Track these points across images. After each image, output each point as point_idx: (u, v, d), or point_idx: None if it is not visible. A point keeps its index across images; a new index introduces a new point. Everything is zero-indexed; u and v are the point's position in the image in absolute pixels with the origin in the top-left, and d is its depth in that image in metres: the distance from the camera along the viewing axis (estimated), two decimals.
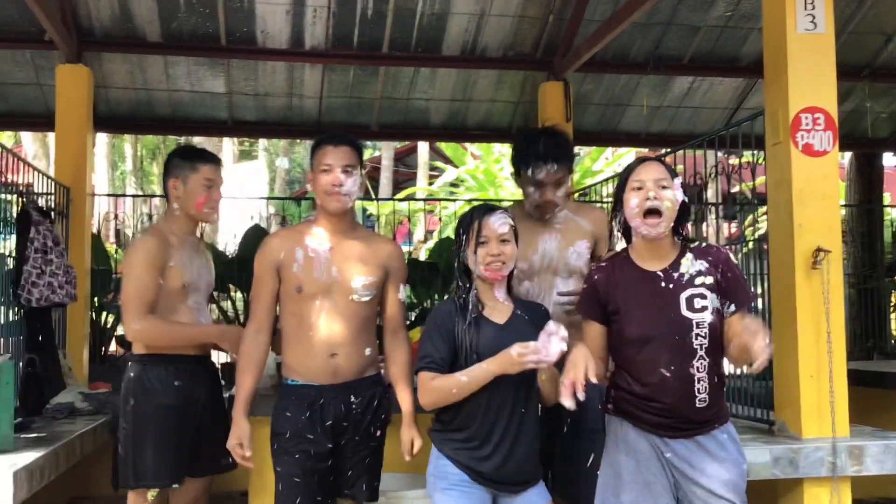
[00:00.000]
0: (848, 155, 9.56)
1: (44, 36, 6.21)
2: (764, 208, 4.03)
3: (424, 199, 14.83)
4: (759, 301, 4.54)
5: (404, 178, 21.96)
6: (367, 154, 3.50)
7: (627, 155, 17.29)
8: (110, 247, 8.44)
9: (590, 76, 7.41)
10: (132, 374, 3.31)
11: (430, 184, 19.93)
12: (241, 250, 7.51)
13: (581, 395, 2.53)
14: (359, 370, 3.16)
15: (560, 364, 2.68)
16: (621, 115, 8.00)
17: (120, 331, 6.98)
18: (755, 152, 4.08)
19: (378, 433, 3.20)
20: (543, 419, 3.10)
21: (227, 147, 20.72)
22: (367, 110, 7.66)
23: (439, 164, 19.99)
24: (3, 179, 4.83)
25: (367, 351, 3.19)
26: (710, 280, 2.65)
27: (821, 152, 3.68)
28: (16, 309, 4.85)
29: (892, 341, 9.17)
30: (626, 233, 2.80)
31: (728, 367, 4.79)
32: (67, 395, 4.63)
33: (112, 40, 6.53)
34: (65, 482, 5.18)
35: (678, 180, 2.70)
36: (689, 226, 2.88)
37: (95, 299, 6.77)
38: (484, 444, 2.78)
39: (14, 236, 4.90)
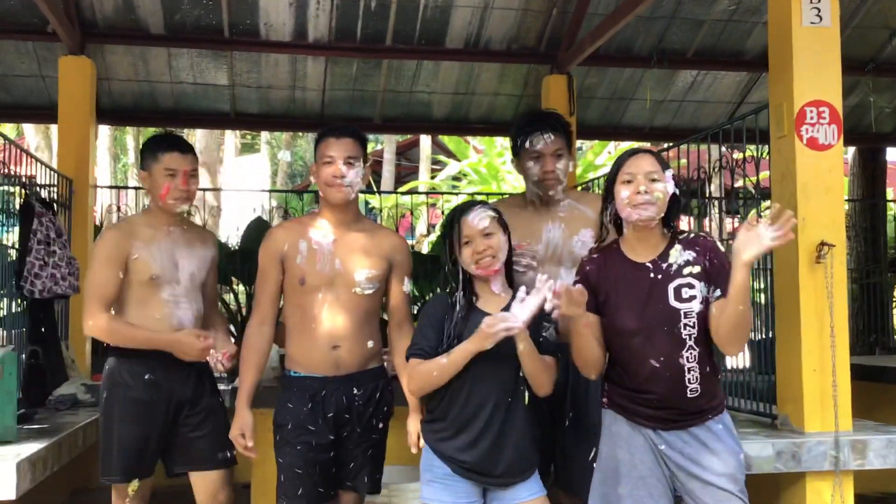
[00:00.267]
0: (851, 150, 9.54)
1: (47, 27, 6.18)
2: (767, 203, 4.02)
3: (427, 193, 14.81)
4: (762, 296, 4.53)
5: (406, 172, 21.95)
6: (369, 147, 3.48)
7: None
8: None
9: (593, 70, 7.39)
10: (107, 367, 3.30)
11: (433, 178, 19.92)
12: (244, 243, 7.51)
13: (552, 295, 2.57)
14: (361, 362, 3.16)
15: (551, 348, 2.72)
16: (625, 109, 7.99)
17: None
18: (759, 146, 4.06)
19: (380, 425, 3.20)
20: (547, 412, 3.10)
21: (230, 140, 20.72)
22: (370, 103, 7.64)
23: (442, 157, 19.97)
24: (6, 171, 4.83)
25: (370, 343, 3.19)
26: (697, 269, 2.66)
27: (825, 146, 3.67)
28: (19, 300, 4.86)
29: (895, 336, 9.16)
30: (618, 225, 2.80)
31: (730, 362, 4.80)
32: (70, 386, 4.63)
33: (115, 32, 6.51)
34: (67, 473, 5.18)
35: (669, 172, 2.69)
36: (692, 220, 2.89)
37: (87, 295, 6.76)
38: (462, 433, 2.77)
39: (17, 228, 4.89)
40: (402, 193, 10.46)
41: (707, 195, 6.15)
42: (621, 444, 2.72)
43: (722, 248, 2.77)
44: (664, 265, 2.68)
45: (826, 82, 3.69)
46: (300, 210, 8.40)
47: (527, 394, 2.78)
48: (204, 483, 3.34)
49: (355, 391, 3.13)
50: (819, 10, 3.69)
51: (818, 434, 3.57)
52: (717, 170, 4.39)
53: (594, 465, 2.90)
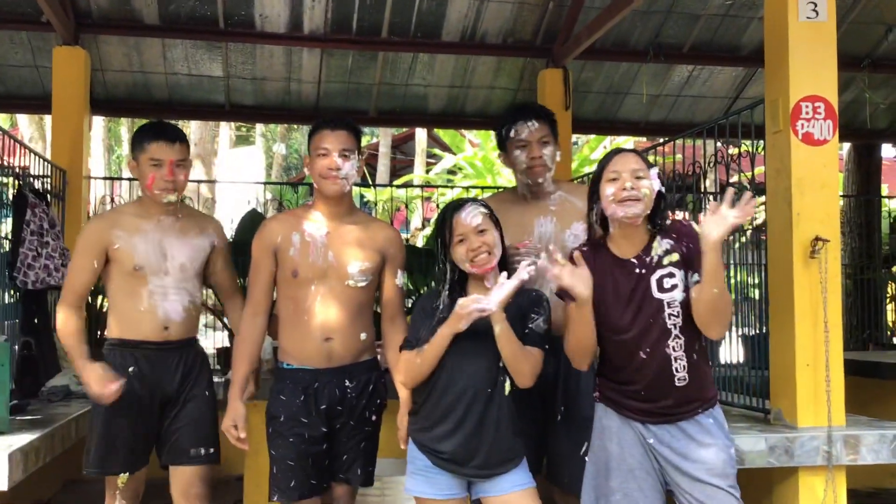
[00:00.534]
0: (846, 146, 9.55)
1: (41, 17, 6.16)
2: (762, 198, 4.02)
3: (422, 186, 14.81)
4: (756, 291, 4.54)
5: (402, 166, 21.93)
6: (364, 140, 3.47)
7: (625, 144, 17.29)
8: None
9: (589, 64, 7.39)
10: (104, 359, 3.28)
11: (428, 171, 19.91)
12: (238, 235, 7.47)
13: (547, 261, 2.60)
14: (354, 355, 3.16)
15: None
16: (620, 104, 7.98)
17: None
18: (754, 142, 4.06)
19: (373, 418, 3.20)
20: (538, 406, 3.09)
21: (225, 132, 20.64)
22: (365, 96, 7.63)
23: (437, 151, 19.96)
24: (0, 162, 4.81)
25: (363, 336, 3.19)
26: (676, 257, 2.68)
27: (821, 141, 3.66)
28: (12, 291, 4.84)
29: (888, 332, 9.19)
30: (604, 225, 2.80)
31: (723, 357, 4.81)
32: (63, 377, 4.62)
33: (109, 22, 6.49)
34: (60, 465, 5.17)
35: (654, 170, 2.70)
36: (687, 215, 2.89)
37: (64, 282, 6.74)
38: (440, 424, 2.77)
39: (10, 219, 4.87)
40: (398, 187, 10.45)
41: (702, 190, 6.16)
42: (611, 438, 2.73)
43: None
44: (647, 259, 2.70)
45: (822, 77, 3.69)
46: (295, 202, 8.39)
47: (507, 384, 2.77)
48: (177, 477, 3.31)
49: (348, 383, 3.13)
50: (815, 6, 3.69)
51: (811, 429, 3.58)
52: (712, 165, 4.39)
53: (585, 459, 2.90)
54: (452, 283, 2.85)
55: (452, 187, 11.30)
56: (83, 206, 6.24)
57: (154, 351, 3.24)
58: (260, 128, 22.84)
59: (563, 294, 2.71)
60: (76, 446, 4.18)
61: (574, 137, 10.78)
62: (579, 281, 2.61)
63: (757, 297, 4.41)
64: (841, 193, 8.68)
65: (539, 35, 6.97)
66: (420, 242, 11.82)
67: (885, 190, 11.13)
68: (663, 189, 2.72)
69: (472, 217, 2.79)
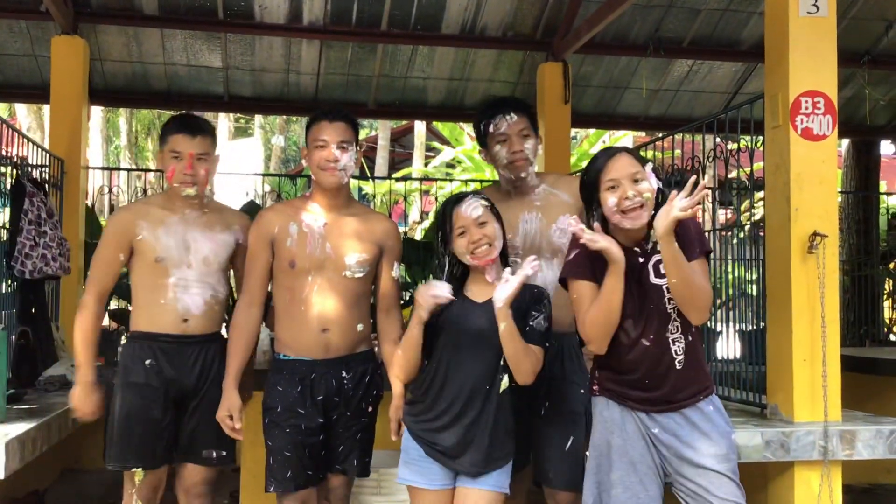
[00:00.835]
0: (845, 142, 9.55)
1: (40, 6, 6.15)
2: (760, 193, 4.02)
3: (421, 179, 14.79)
4: (754, 286, 4.54)
5: (400, 159, 21.91)
6: (363, 133, 3.46)
7: (625, 138, 17.28)
8: (104, 221, 8.40)
9: (589, 58, 7.38)
10: (121, 351, 3.28)
11: (427, 164, 19.88)
12: None
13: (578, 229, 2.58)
14: (351, 346, 3.16)
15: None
16: (620, 98, 7.98)
17: (112, 305, 6.97)
18: (753, 137, 4.06)
19: (370, 409, 3.20)
20: (525, 399, 3.07)
21: (223, 123, 20.61)
22: (364, 88, 7.62)
23: (436, 144, 19.93)
24: None
25: (360, 327, 3.19)
26: None
27: (820, 136, 3.66)
28: (9, 281, 4.83)
29: (885, 329, 9.20)
30: (603, 222, 2.78)
31: (720, 352, 4.81)
32: (60, 367, 4.62)
33: (108, 12, 6.47)
34: (57, 454, 5.18)
35: (649, 166, 2.69)
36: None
37: (89, 273, 6.74)
38: (437, 417, 2.79)
39: (8, 208, 4.86)
40: (396, 180, 10.45)
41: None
42: (614, 430, 2.72)
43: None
44: (647, 246, 2.71)
45: (822, 73, 3.69)
46: (293, 195, 8.40)
47: (504, 381, 2.77)
48: (184, 473, 3.30)
49: (344, 374, 3.13)
50: (816, 0, 3.68)
51: (807, 424, 3.58)
52: (710, 160, 4.39)
53: (571, 455, 2.90)
54: (451, 277, 2.85)
55: (451, 180, 11.29)
56: (81, 196, 6.24)
57: (172, 344, 3.21)
58: (258, 119, 22.80)
59: (576, 274, 2.70)
60: (73, 436, 4.19)
61: (573, 132, 10.77)
62: (612, 243, 2.59)
63: (754, 292, 4.41)
64: (839, 190, 8.69)
65: (539, 29, 6.96)
66: (418, 235, 11.82)
67: (883, 187, 11.11)
68: (660, 184, 2.71)
69: (472, 209, 2.80)
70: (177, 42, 6.90)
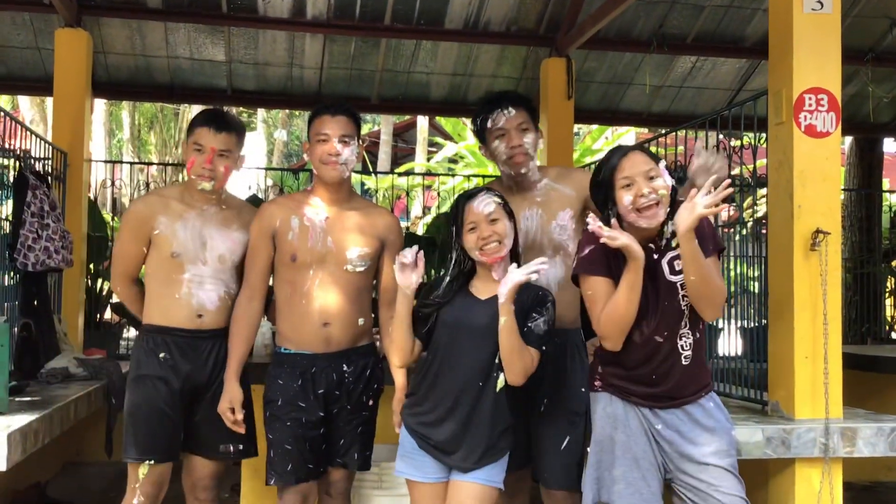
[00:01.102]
0: (849, 139, 9.54)
1: None
2: (763, 190, 4.02)
3: (423, 175, 14.79)
4: (756, 283, 4.54)
5: (403, 154, 21.91)
6: (366, 128, 3.47)
7: (627, 135, 17.26)
8: (107, 214, 8.41)
9: (592, 53, 7.36)
10: (134, 344, 3.29)
11: (429, 159, 19.87)
12: None
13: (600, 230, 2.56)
14: (352, 340, 3.17)
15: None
16: (623, 94, 7.96)
17: (115, 298, 6.98)
18: (756, 134, 4.05)
19: (370, 402, 3.21)
20: (523, 398, 3.06)
21: None
22: (367, 82, 7.61)
23: (439, 139, 19.93)
24: (1, 143, 4.80)
25: (361, 321, 3.19)
26: None
27: (823, 133, 3.65)
28: (11, 273, 4.84)
29: (887, 326, 9.20)
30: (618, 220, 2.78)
31: (722, 349, 4.81)
32: (62, 360, 4.62)
33: (112, 4, 6.46)
34: (59, 447, 5.20)
35: (662, 164, 2.69)
36: None
37: (91, 266, 6.75)
38: (430, 410, 2.80)
39: (10, 200, 4.87)
40: (399, 174, 10.43)
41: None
42: (617, 426, 2.73)
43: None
44: (662, 243, 2.71)
45: (826, 69, 3.68)
46: (296, 189, 8.39)
47: (501, 381, 2.77)
48: (193, 466, 3.30)
49: (345, 368, 3.14)
50: None
51: (808, 421, 3.58)
52: None
53: (568, 454, 2.90)
54: (459, 271, 2.86)
55: (453, 175, 11.26)
56: (84, 189, 6.23)
57: (186, 338, 3.21)
58: (261, 114, 22.82)
59: (591, 270, 2.69)
60: (75, 428, 4.20)
61: (576, 128, 10.76)
62: (633, 240, 2.58)
63: (756, 289, 4.40)
64: (842, 187, 8.68)
65: (542, 24, 6.95)
66: (420, 230, 11.81)
67: (886, 184, 11.11)
68: (674, 182, 2.71)
69: (484, 205, 2.80)
70: (180, 35, 6.89)
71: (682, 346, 2.68)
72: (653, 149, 5.47)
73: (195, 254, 3.22)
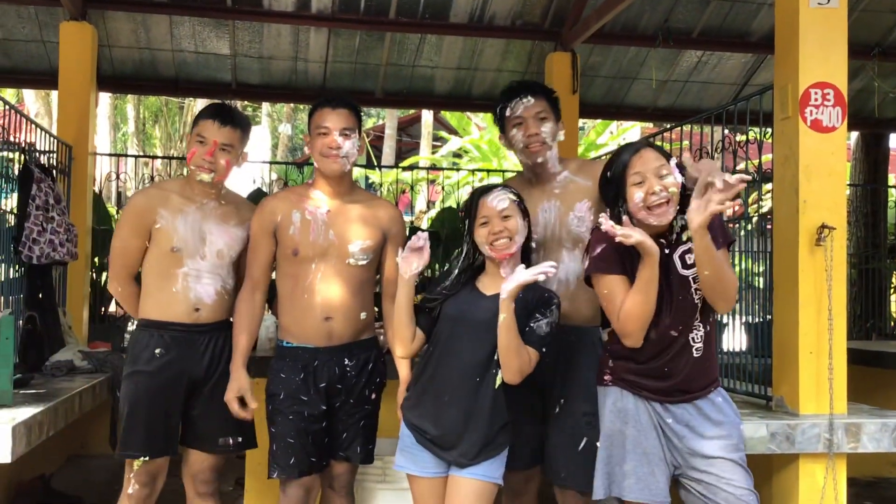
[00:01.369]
0: (854, 135, 9.51)
1: None
2: (768, 185, 4.01)
3: (427, 169, 14.77)
4: (761, 278, 4.53)
5: (407, 148, 21.87)
6: (370, 123, 3.46)
7: (632, 129, 17.21)
8: (111, 208, 8.42)
9: (598, 48, 7.35)
10: (129, 339, 3.28)
11: (433, 154, 19.86)
12: None
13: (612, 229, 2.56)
14: (354, 333, 3.17)
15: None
16: (628, 89, 7.95)
17: None
18: (762, 129, 4.04)
19: (373, 396, 3.20)
20: (538, 398, 3.05)
21: None
22: (372, 76, 7.60)
23: (443, 133, 19.91)
24: (6, 137, 4.80)
25: (363, 315, 3.19)
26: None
27: (829, 128, 3.64)
28: (17, 266, 4.85)
29: (892, 322, 9.18)
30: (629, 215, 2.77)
31: (726, 344, 4.81)
32: (67, 352, 4.64)
33: None
34: (63, 439, 5.21)
35: (673, 161, 2.68)
36: None
37: (96, 259, 6.77)
38: (427, 404, 2.81)
39: (16, 193, 4.88)
40: (403, 169, 10.42)
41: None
42: (627, 420, 2.72)
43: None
44: (672, 237, 2.71)
45: (832, 64, 3.67)
46: (300, 183, 8.37)
47: (499, 378, 2.76)
48: (192, 460, 3.29)
49: (347, 362, 3.14)
50: None
51: (813, 416, 3.58)
52: (719, 152, 4.37)
53: (584, 455, 2.88)
54: (468, 265, 2.86)
55: (458, 170, 11.27)
56: (88, 183, 6.24)
57: (182, 332, 3.19)
58: (266, 108, 22.81)
59: (605, 269, 2.69)
60: (79, 421, 4.21)
61: (581, 122, 10.74)
62: (646, 236, 2.58)
63: (761, 285, 4.40)
64: (847, 183, 8.66)
65: (548, 18, 6.93)
66: (424, 225, 11.81)
67: (891, 180, 11.08)
68: (683, 179, 2.70)
69: (498, 201, 2.80)
70: (185, 29, 6.90)
71: (693, 338, 2.68)
72: (658, 143, 5.46)
73: (195, 248, 3.21)
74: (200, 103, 16.10)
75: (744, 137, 4.27)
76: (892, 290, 9.29)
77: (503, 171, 8.92)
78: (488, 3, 6.72)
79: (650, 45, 7.15)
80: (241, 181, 8.40)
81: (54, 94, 9.80)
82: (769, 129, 3.94)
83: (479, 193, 2.86)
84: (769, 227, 4.06)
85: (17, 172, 4.90)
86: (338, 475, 3.22)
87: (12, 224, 4.81)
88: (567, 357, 3.01)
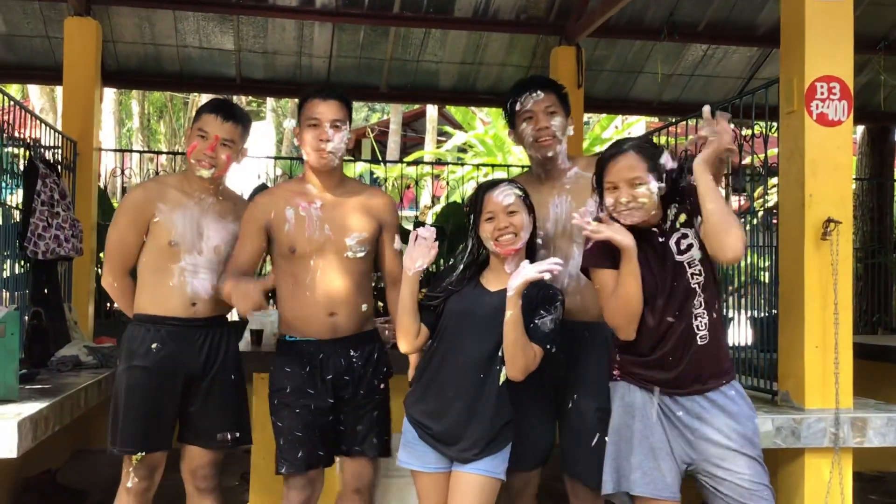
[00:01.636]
0: (860, 128, 9.48)
1: None
2: (774, 180, 4.00)
3: (432, 163, 14.76)
4: (766, 273, 4.52)
5: (412, 143, 21.87)
6: (374, 118, 3.45)
7: (637, 124, 17.19)
8: (116, 203, 8.43)
9: (603, 42, 7.33)
10: (124, 334, 3.25)
11: (438, 148, 19.85)
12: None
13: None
14: (357, 326, 3.17)
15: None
16: (633, 83, 7.93)
17: None
18: (768, 123, 4.03)
19: (382, 386, 3.20)
20: (551, 394, 3.05)
21: None
22: (376, 71, 7.60)
23: (448, 128, 19.89)
24: (11, 132, 4.81)
25: (364, 307, 3.19)
26: (683, 217, 2.71)
27: (835, 122, 3.63)
28: (22, 261, 4.86)
29: None
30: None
31: (732, 339, 4.79)
32: (72, 348, 4.64)
33: None
34: (69, 435, 5.22)
35: (665, 155, 2.67)
36: None
37: (101, 254, 6.77)
38: (430, 400, 2.80)
39: (21, 189, 4.88)
40: (408, 163, 10.40)
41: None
42: (635, 414, 2.72)
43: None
44: (665, 225, 2.73)
45: (838, 58, 3.65)
46: None
47: (503, 374, 2.75)
48: (191, 455, 3.28)
49: (352, 353, 3.13)
50: None
51: (818, 411, 3.57)
52: None
53: (598, 451, 2.87)
54: (472, 260, 2.85)
55: (463, 164, 11.23)
56: (93, 178, 6.25)
57: (179, 327, 3.18)
58: (270, 103, 22.78)
59: (596, 263, 2.71)
60: (85, 416, 4.21)
61: (586, 117, 10.73)
62: (618, 231, 2.61)
63: (766, 279, 4.39)
64: (853, 177, 8.63)
65: (552, 12, 6.91)
66: (429, 220, 11.81)
67: None
68: (675, 165, 2.69)
69: (503, 196, 2.79)
70: (189, 24, 6.90)
71: (697, 325, 2.68)
72: (662, 138, 5.45)
73: (192, 243, 3.20)
74: (205, 99, 16.13)
75: (749, 132, 4.26)
76: None
77: (508, 166, 8.93)
78: None
79: (655, 39, 7.13)
80: (246, 177, 8.41)
81: (59, 89, 9.80)
82: (775, 124, 3.93)
83: (485, 188, 2.85)
84: (775, 221, 4.05)
85: (22, 168, 4.90)
86: (358, 474, 3.17)
87: (17, 220, 4.81)
88: (579, 352, 3.01)
